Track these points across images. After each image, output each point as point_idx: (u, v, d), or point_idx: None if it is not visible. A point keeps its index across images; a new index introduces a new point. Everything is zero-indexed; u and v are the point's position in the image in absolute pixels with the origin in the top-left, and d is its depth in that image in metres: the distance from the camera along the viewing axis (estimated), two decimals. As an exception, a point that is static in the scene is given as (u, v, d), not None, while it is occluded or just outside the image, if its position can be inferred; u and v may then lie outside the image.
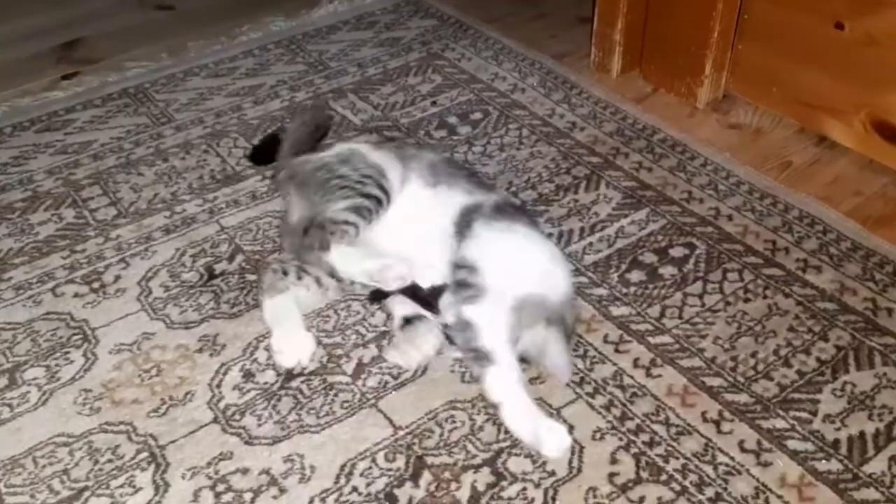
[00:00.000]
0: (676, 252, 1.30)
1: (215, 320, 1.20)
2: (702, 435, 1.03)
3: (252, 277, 1.27)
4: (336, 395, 1.09)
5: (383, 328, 1.18)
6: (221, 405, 1.09)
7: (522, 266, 1.12)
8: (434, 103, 1.65)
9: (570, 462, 1.00)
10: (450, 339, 1.11)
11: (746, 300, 1.21)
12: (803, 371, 1.11)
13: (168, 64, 1.79)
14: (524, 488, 0.98)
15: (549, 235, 1.33)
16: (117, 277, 1.28)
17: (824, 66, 1.45)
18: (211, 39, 1.87)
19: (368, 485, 0.99)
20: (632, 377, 1.11)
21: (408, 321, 1.14)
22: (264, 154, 1.47)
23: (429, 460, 1.01)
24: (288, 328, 1.15)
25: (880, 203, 1.38)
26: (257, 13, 1.97)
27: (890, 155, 1.42)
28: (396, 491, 0.98)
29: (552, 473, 0.99)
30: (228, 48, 1.84)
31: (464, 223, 1.16)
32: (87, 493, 0.99)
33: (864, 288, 1.22)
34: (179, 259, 1.31)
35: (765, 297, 1.21)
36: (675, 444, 1.02)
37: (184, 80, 1.74)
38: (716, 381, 1.10)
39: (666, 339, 1.16)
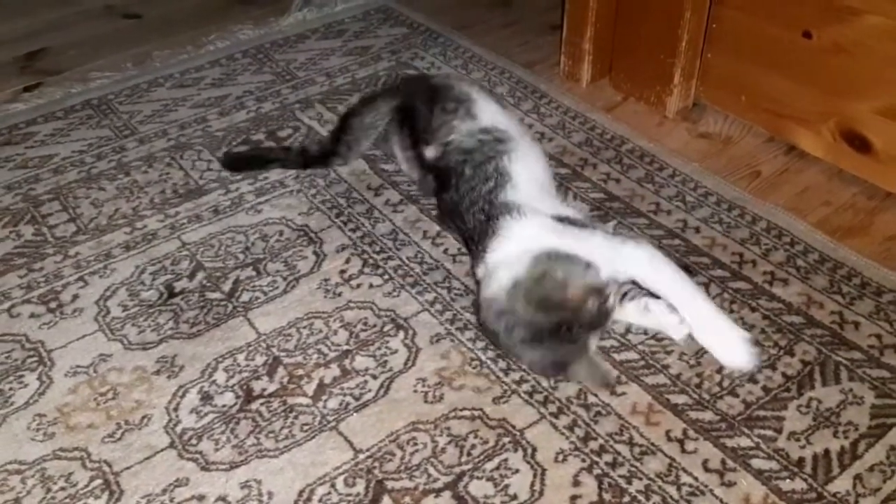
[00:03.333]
0: (644, 266, 1.28)
1: (174, 341, 1.18)
2: (665, 454, 1.02)
3: (213, 295, 1.24)
4: (296, 417, 1.07)
5: (346, 347, 1.16)
6: (178, 429, 1.06)
7: None
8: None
9: (532, 485, 0.99)
10: None
11: (713, 314, 1.20)
12: (769, 387, 1.09)
13: (133, 74, 1.76)
14: (485, 513, 0.97)
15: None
16: (75, 297, 1.25)
17: (792, 75, 1.44)
18: (177, 49, 1.84)
19: (326, 511, 0.97)
20: (596, 396, 1.09)
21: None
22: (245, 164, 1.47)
23: (389, 485, 1.00)
24: None
25: (849, 213, 1.38)
26: (226, 21, 1.95)
27: (858, 164, 1.41)
28: (355, 517, 0.96)
29: (514, 497, 0.98)
30: (195, 57, 1.82)
31: None
32: (37, 524, 0.97)
33: (831, 301, 1.21)
34: (139, 277, 1.28)
35: (731, 311, 1.20)
36: (638, 464, 1.01)
37: (148, 90, 1.71)
38: (681, 399, 1.08)
39: (631, 355, 1.15)
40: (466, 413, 1.07)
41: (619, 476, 1.00)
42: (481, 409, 1.08)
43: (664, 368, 1.12)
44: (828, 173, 1.45)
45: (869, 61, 1.33)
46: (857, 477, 0.99)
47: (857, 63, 1.35)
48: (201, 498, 0.99)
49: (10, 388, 1.12)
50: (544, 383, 1.11)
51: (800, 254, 1.29)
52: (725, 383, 1.10)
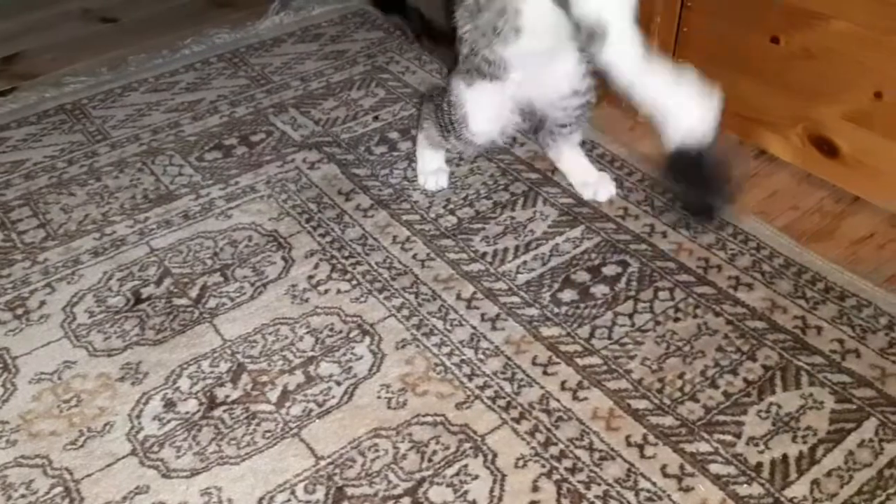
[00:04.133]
0: (609, 270, 1.29)
1: (139, 347, 1.18)
2: (625, 460, 1.02)
3: (179, 301, 1.24)
4: (258, 424, 1.08)
5: (311, 353, 1.17)
6: (140, 436, 1.07)
7: None
8: (376, 118, 1.64)
9: (491, 491, 0.99)
10: None
11: (676, 319, 1.20)
12: (729, 392, 1.10)
13: (107, 78, 1.76)
14: (443, 519, 0.97)
15: (484, 255, 1.32)
16: (42, 303, 1.25)
17: (762, 80, 1.44)
18: (153, 52, 1.84)
19: (285, 518, 0.97)
20: (558, 400, 1.10)
21: None
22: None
23: (349, 491, 1.00)
24: None
25: (816, 217, 1.38)
26: (202, 25, 1.95)
27: (827, 168, 1.42)
28: (313, 524, 0.97)
29: (473, 503, 0.98)
30: (170, 61, 1.82)
31: None
32: (-4, 532, 0.97)
33: (794, 306, 1.21)
34: (106, 283, 1.28)
35: (695, 316, 1.21)
36: (597, 469, 1.01)
37: (122, 95, 1.71)
38: (641, 404, 1.09)
39: (594, 360, 1.15)
40: (429, 419, 1.08)
41: (578, 481, 1.00)
42: (444, 415, 1.08)
43: (627, 373, 1.13)
44: (797, 177, 1.46)
45: (836, 66, 1.33)
46: (815, 482, 1.00)
47: (825, 68, 1.35)
48: (161, 505, 0.99)
49: (-26, 396, 1.12)
50: (507, 388, 1.11)
51: (766, 258, 1.29)
52: (687, 388, 1.11)
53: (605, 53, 1.10)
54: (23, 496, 1.00)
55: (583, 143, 1.50)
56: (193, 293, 1.26)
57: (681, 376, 1.12)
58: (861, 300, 1.22)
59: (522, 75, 1.24)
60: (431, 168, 1.45)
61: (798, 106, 1.41)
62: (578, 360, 1.15)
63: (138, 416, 1.09)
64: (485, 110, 1.28)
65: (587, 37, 1.10)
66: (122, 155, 1.54)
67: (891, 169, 1.33)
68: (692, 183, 1.17)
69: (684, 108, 1.11)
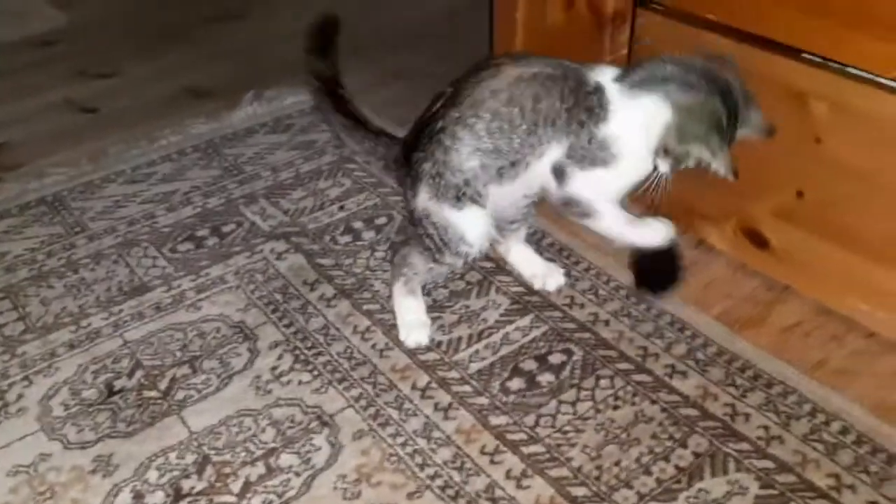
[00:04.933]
0: (555, 359, 1.38)
1: (111, 440, 1.25)
2: (563, 547, 1.10)
3: (149, 394, 1.32)
4: (221, 514, 1.15)
5: (272, 445, 1.24)
6: (109, 529, 1.13)
7: None
8: (341, 208, 1.73)
9: (437, 579, 1.06)
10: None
11: (615, 407, 1.29)
12: (661, 479, 1.18)
13: (88, 170, 1.85)
14: None
15: (439, 344, 1.41)
16: (20, 396, 1.32)
17: (698, 177, 1.54)
18: (131, 143, 1.94)
19: None
20: (503, 489, 1.17)
21: None
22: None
23: (304, 580, 1.07)
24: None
25: (749, 306, 1.48)
26: (179, 115, 2.05)
27: (759, 259, 1.52)
28: None
29: (420, 590, 1.05)
30: (147, 152, 1.91)
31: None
32: None
33: (725, 393, 1.31)
34: (81, 376, 1.36)
35: (633, 403, 1.29)
36: (537, 556, 1.09)
37: (101, 186, 1.80)
38: (580, 491, 1.17)
39: (538, 448, 1.23)
40: (382, 508, 1.15)
41: (519, 569, 1.08)
42: (396, 505, 1.16)
43: (568, 461, 1.21)
44: (732, 266, 1.56)
45: (763, 168, 1.44)
46: (737, 566, 1.08)
47: (753, 169, 1.45)
48: None
49: (-48, 490, 1.19)
50: (456, 478, 1.19)
51: (700, 347, 1.39)
52: (622, 475, 1.19)
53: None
54: (-4, 589, 1.06)
55: (533, 233, 1.61)
56: (163, 385, 1.34)
57: (617, 463, 1.21)
58: (787, 387, 1.31)
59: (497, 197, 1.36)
60: (411, 320, 1.42)
61: (731, 202, 1.52)
62: (523, 449, 1.23)
63: (108, 509, 1.16)
64: (477, 227, 1.35)
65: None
66: (99, 247, 1.63)
67: (814, 261, 1.44)
68: (653, 267, 1.41)
69: (642, 238, 1.39)
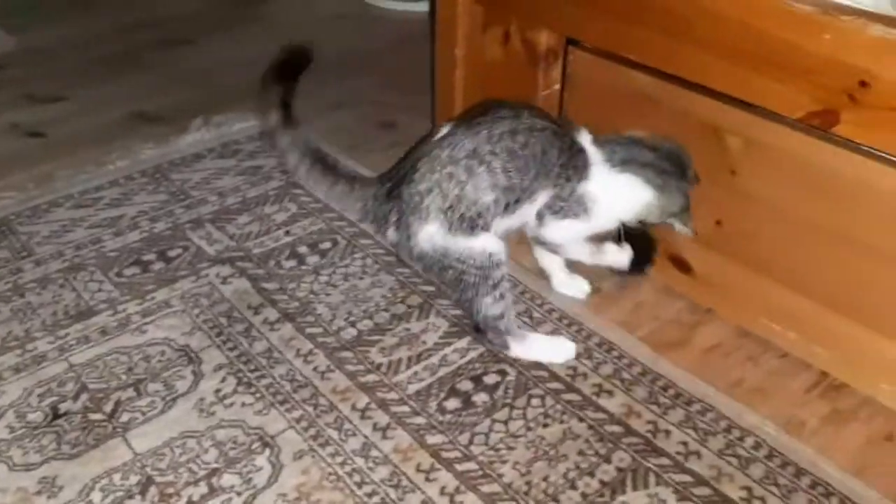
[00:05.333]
0: (490, 379, 1.44)
1: (55, 461, 1.28)
2: (492, 559, 1.16)
3: (94, 416, 1.35)
4: (164, 533, 1.18)
5: (214, 465, 1.28)
6: (52, 549, 1.16)
7: None
8: (287, 233, 1.79)
9: (372, 591, 1.12)
10: None
11: (545, 425, 1.36)
12: (586, 493, 1.25)
13: (35, 194, 1.87)
14: None
15: (379, 366, 1.46)
16: (-36, 420, 1.34)
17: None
18: (79, 168, 1.96)
19: None
20: (438, 506, 1.23)
21: None
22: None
23: None
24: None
25: (673, 327, 1.57)
26: (128, 140, 2.09)
27: (682, 283, 1.62)
28: None
29: None
30: (95, 177, 1.94)
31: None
32: None
33: (648, 411, 1.38)
34: (27, 399, 1.38)
35: (562, 421, 1.37)
36: (467, 568, 1.15)
37: (48, 211, 1.83)
38: (510, 506, 1.24)
39: (471, 465, 1.29)
40: (320, 525, 1.20)
41: (450, 580, 1.13)
42: (334, 521, 1.21)
43: (499, 477, 1.27)
44: (658, 290, 1.65)
45: (685, 197, 1.54)
46: (654, 574, 1.15)
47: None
48: None
49: None
50: (392, 495, 1.24)
51: (626, 367, 1.47)
52: (550, 490, 1.26)
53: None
54: None
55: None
56: (108, 408, 1.37)
57: (546, 479, 1.27)
58: (705, 405, 1.39)
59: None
60: (551, 342, 1.52)
61: (658, 229, 1.61)
62: (458, 466, 1.29)
63: (51, 530, 1.19)
64: (495, 244, 1.43)
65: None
66: (46, 271, 1.65)
67: (733, 285, 1.54)
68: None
69: (609, 261, 1.61)
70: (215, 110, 2.19)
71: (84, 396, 1.39)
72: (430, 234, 1.40)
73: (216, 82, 2.40)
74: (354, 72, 2.48)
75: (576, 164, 1.42)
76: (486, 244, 1.41)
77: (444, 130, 1.41)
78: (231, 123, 2.14)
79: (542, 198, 1.44)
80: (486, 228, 1.41)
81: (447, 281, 1.47)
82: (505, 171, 1.37)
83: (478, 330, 1.49)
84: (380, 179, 1.48)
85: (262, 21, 2.84)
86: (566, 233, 1.49)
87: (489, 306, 1.44)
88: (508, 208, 1.41)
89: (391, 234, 1.45)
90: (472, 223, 1.39)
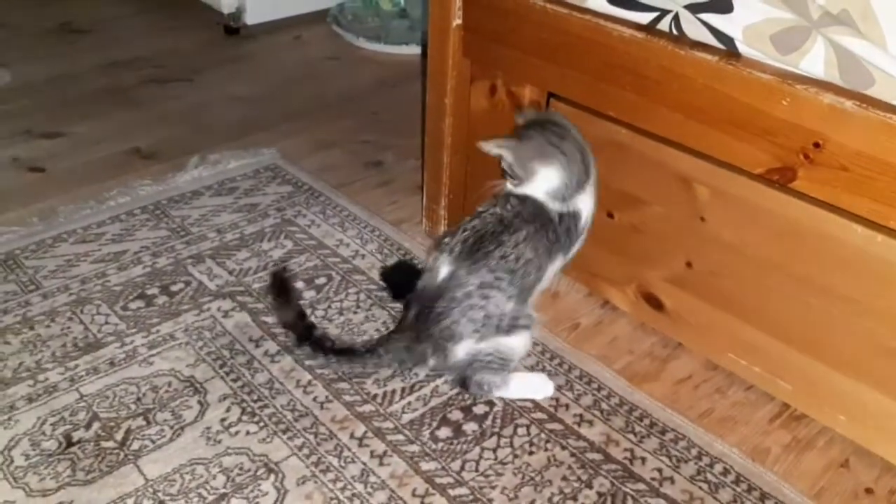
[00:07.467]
0: (479, 409, 1.55)
1: (71, 487, 1.35)
2: (484, 577, 1.26)
3: (106, 444, 1.43)
4: (177, 555, 1.26)
5: (222, 490, 1.36)
6: (72, 570, 1.24)
7: None
8: (284, 269, 1.88)
9: None
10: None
11: (531, 453, 1.46)
12: (570, 516, 1.36)
13: (39, 229, 1.95)
14: None
15: (375, 396, 1.56)
16: (-19, 448, 1.41)
17: (602, 245, 1.76)
18: (80, 203, 2.04)
19: None
20: (433, 528, 1.33)
21: None
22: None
23: None
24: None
25: (647, 361, 1.69)
26: (127, 176, 2.17)
27: (655, 319, 1.74)
28: None
29: None
30: (97, 212, 2.02)
31: None
32: None
33: (625, 439, 1.50)
34: (40, 428, 1.46)
35: (546, 449, 1.47)
36: (461, 586, 1.24)
37: (53, 245, 1.90)
38: (499, 528, 1.33)
39: (463, 490, 1.39)
40: (324, 546, 1.29)
41: None
42: (336, 542, 1.30)
43: (489, 502, 1.37)
44: (633, 325, 1.77)
45: (656, 240, 1.66)
46: (632, 590, 1.25)
47: (648, 240, 1.68)
48: None
49: (-81, 537, 1.27)
50: (390, 517, 1.34)
51: (604, 398, 1.58)
52: (536, 513, 1.36)
53: None
54: None
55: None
56: (119, 436, 1.45)
57: (532, 503, 1.38)
58: (678, 434, 1.51)
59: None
60: (532, 381, 1.61)
61: (631, 268, 1.74)
62: (451, 491, 1.39)
63: (70, 552, 1.26)
64: (524, 346, 1.58)
65: None
66: (54, 304, 1.73)
67: (702, 322, 1.66)
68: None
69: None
70: (211, 148, 2.29)
71: (96, 425, 1.47)
72: (468, 347, 1.52)
73: (208, 119, 2.49)
74: (343, 112, 2.59)
75: (567, 227, 1.55)
76: (516, 346, 1.54)
77: (444, 271, 1.50)
78: (226, 161, 2.24)
79: (558, 263, 1.58)
80: (518, 327, 1.52)
81: (467, 369, 1.56)
82: (513, 284, 1.49)
83: (462, 385, 1.58)
84: (399, 331, 1.59)
85: (252, 60, 2.94)
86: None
87: (496, 385, 1.56)
88: (524, 296, 1.53)
89: (431, 363, 1.57)
90: (503, 324, 1.51)
